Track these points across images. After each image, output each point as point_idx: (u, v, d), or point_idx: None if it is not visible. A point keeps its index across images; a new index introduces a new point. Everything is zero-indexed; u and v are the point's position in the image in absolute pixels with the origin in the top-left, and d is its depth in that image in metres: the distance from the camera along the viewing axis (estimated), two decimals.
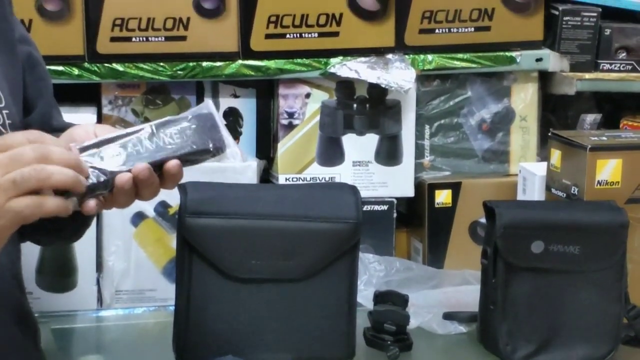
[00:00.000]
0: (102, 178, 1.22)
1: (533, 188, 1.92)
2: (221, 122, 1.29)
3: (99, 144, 1.24)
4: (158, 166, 1.25)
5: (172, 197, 1.80)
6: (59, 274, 1.87)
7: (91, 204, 1.21)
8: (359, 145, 1.98)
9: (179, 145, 1.26)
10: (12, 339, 1.36)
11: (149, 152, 1.25)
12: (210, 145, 1.27)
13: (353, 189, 1.64)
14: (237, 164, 1.91)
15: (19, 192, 1.14)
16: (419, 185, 2.02)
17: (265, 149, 2.00)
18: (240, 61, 1.91)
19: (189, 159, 1.27)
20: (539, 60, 2.02)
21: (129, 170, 1.22)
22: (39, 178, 1.15)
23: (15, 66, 1.43)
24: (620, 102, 2.20)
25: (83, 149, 1.23)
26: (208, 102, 1.30)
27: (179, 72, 1.89)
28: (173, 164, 1.25)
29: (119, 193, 1.24)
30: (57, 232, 1.44)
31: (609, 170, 1.77)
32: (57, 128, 1.49)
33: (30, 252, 1.65)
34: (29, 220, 1.16)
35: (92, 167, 1.22)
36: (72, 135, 1.32)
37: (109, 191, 1.23)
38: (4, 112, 1.37)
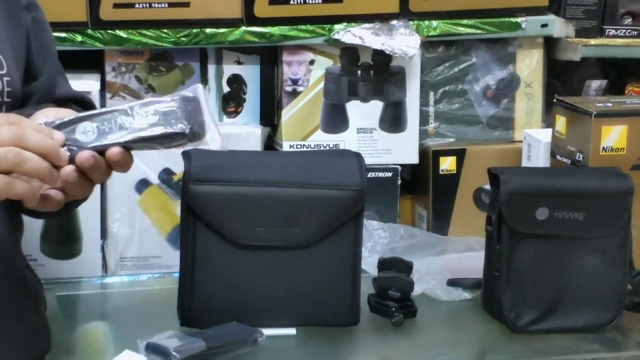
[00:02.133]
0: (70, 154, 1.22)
1: (538, 154, 1.92)
2: (207, 107, 1.26)
3: (75, 121, 1.24)
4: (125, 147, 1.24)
5: (176, 164, 1.81)
6: (63, 241, 1.87)
7: (51, 193, 1.22)
8: (363, 112, 1.98)
9: (153, 126, 1.23)
10: (15, 307, 1.36)
11: (121, 131, 1.23)
12: (187, 130, 1.24)
13: (357, 156, 1.64)
14: (241, 131, 1.91)
15: None
16: (423, 152, 2.02)
17: (269, 116, 2.00)
18: (243, 27, 1.90)
19: (163, 141, 1.24)
20: (544, 26, 2.01)
21: (72, 160, 1.21)
22: (14, 161, 1.15)
23: (19, 33, 1.43)
24: (625, 68, 2.19)
25: (60, 126, 1.23)
26: (197, 87, 1.27)
27: (183, 38, 1.88)
28: (114, 152, 1.22)
29: (67, 184, 1.23)
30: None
31: (614, 136, 1.76)
32: (60, 97, 1.48)
33: (35, 219, 1.65)
34: None
35: (66, 145, 1.22)
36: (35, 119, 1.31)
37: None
38: (5, 79, 1.37)
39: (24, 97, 1.43)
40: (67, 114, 1.28)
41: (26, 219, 1.46)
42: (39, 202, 1.22)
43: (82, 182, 1.24)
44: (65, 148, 1.22)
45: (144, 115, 1.24)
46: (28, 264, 1.46)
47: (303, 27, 1.92)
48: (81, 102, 1.52)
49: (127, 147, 1.24)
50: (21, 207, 1.41)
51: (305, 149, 1.96)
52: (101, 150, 1.23)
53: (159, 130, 1.24)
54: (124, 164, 1.25)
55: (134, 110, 1.25)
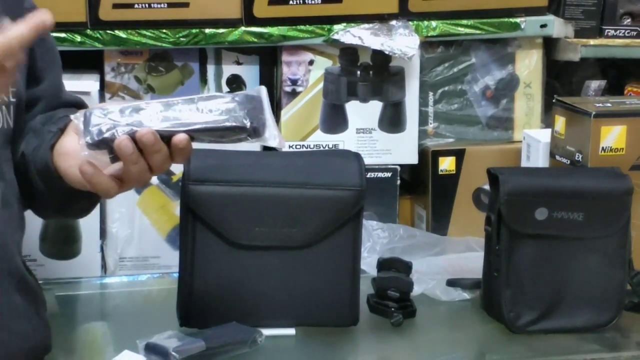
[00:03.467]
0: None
1: (537, 155, 1.92)
2: (269, 108, 1.31)
3: (141, 104, 1.27)
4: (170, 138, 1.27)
5: (175, 164, 1.80)
6: (62, 241, 1.87)
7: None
8: (363, 112, 1.98)
9: (217, 118, 1.27)
10: (14, 306, 1.36)
11: (186, 119, 1.26)
12: (248, 124, 1.28)
13: (357, 156, 1.64)
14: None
15: None
16: (422, 152, 2.02)
17: None
18: (243, 28, 1.90)
19: (225, 134, 1.28)
20: (543, 26, 2.01)
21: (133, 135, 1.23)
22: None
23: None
24: (624, 68, 2.19)
25: (125, 108, 1.25)
26: (261, 88, 1.32)
27: (182, 39, 1.88)
28: (181, 137, 1.25)
29: (124, 160, 1.25)
30: (65, 208, 1.45)
31: (613, 136, 1.76)
32: (67, 101, 1.49)
33: (34, 220, 1.65)
34: None
35: (128, 124, 1.25)
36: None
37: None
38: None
39: (30, 102, 1.44)
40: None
41: (28, 219, 1.46)
42: (97, 187, 1.26)
43: (142, 167, 1.25)
44: (129, 128, 1.25)
45: (207, 108, 1.28)
46: (27, 265, 1.46)
47: (302, 27, 1.92)
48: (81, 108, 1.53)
49: (191, 135, 1.27)
50: (35, 208, 1.43)
51: (304, 149, 1.96)
52: (165, 136, 1.25)
53: (222, 122, 1.27)
54: (186, 153, 1.27)
55: (198, 102, 1.28)
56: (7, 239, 1.36)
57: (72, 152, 1.33)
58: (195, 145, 1.31)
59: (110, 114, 1.27)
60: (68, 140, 1.36)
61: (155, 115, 1.26)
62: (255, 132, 1.29)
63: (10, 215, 1.37)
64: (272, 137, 1.30)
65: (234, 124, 1.27)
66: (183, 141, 1.26)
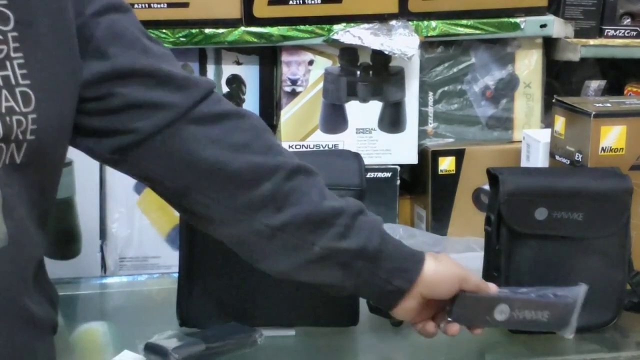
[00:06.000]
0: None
1: (537, 155, 1.92)
2: (579, 308, 1.46)
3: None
4: None
5: None
6: (62, 241, 1.87)
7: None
8: (363, 113, 1.98)
9: (540, 321, 1.44)
10: (17, 345, 1.26)
11: (520, 316, 1.43)
12: (568, 332, 1.46)
13: (356, 156, 1.64)
14: None
15: None
16: (422, 152, 2.02)
17: (268, 116, 2.00)
18: (243, 28, 1.91)
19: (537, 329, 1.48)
20: (543, 26, 2.01)
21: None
22: None
23: (68, 56, 1.25)
24: (624, 68, 2.19)
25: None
26: (581, 288, 1.47)
27: (182, 39, 1.88)
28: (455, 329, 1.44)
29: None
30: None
31: (613, 136, 1.76)
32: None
33: None
34: None
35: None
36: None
37: None
38: (30, 116, 1.20)
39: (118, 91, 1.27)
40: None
41: None
42: None
43: None
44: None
45: (539, 308, 1.45)
46: (37, 298, 1.35)
47: (302, 27, 1.92)
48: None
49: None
50: None
51: (304, 149, 1.96)
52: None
53: (542, 327, 1.46)
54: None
55: (535, 305, 1.45)
56: (12, 281, 1.26)
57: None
58: None
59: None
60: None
61: (505, 313, 1.44)
62: (559, 329, 1.46)
63: (18, 255, 1.27)
64: (570, 330, 1.46)
65: (553, 329, 1.47)
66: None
